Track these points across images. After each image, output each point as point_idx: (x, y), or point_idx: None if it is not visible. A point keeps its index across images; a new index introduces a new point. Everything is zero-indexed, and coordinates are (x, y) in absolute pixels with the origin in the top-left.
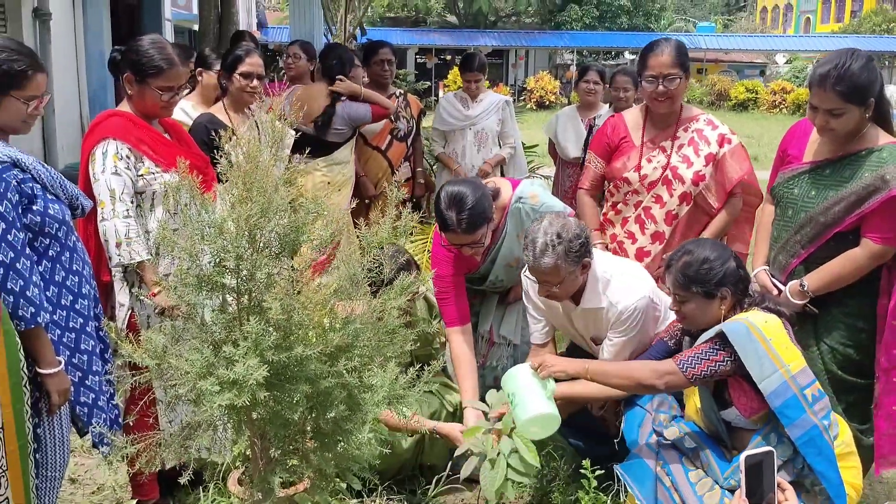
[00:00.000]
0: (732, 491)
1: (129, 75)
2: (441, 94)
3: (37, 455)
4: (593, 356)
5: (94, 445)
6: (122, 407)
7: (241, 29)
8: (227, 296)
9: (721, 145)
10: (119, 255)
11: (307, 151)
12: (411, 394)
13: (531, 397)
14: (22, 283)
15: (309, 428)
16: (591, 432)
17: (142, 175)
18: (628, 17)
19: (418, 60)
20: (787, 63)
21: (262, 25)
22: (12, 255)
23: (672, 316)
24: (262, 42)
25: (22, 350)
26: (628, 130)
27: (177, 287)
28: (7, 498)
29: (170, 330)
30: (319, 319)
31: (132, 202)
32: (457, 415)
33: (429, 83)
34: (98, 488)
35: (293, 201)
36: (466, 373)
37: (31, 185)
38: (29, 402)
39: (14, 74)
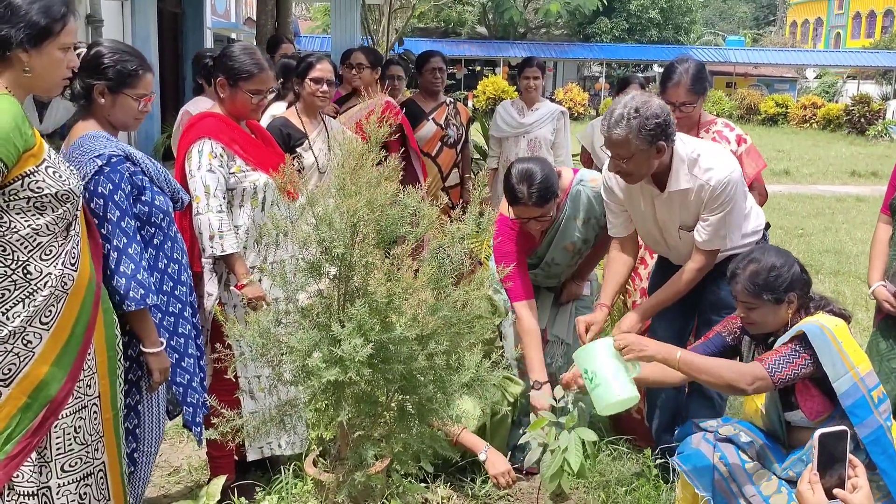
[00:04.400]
0: (789, 482)
1: (221, 80)
2: (470, 104)
3: (136, 430)
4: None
5: (185, 426)
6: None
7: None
8: (325, 282)
9: (739, 144)
10: (212, 247)
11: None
12: (493, 377)
13: (615, 380)
14: (133, 267)
15: (395, 406)
16: None
17: (233, 173)
18: (658, 30)
19: (448, 71)
20: (817, 78)
21: (295, 34)
22: (125, 241)
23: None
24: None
25: (118, 328)
26: None
27: (277, 274)
28: (104, 462)
29: (272, 313)
30: (413, 304)
31: (224, 198)
32: (517, 405)
33: (464, 94)
34: (174, 470)
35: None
36: (533, 344)
37: (140, 177)
38: (122, 378)
39: (127, 73)
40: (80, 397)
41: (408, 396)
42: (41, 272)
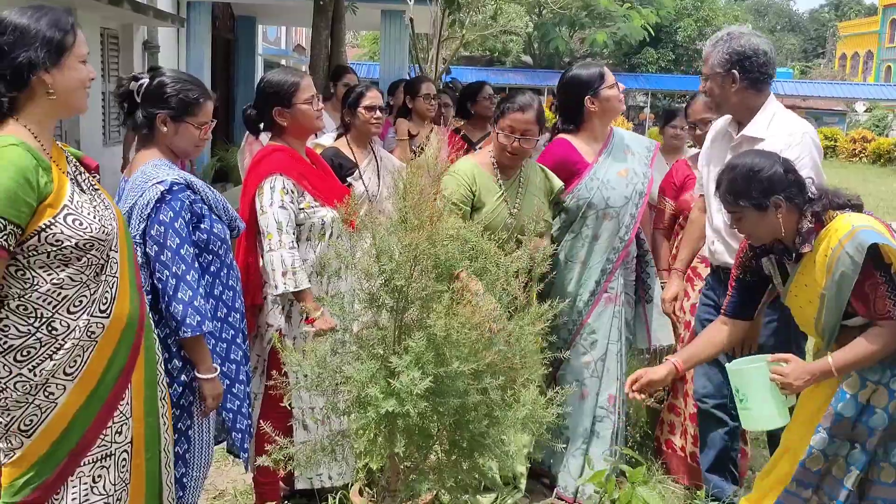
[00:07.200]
0: None
1: (278, 110)
2: None
3: (186, 455)
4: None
5: (230, 451)
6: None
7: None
8: (384, 313)
9: None
10: (285, 283)
11: None
12: (549, 414)
13: (768, 409)
14: (191, 294)
15: (446, 440)
16: None
17: (303, 209)
18: None
19: None
20: (867, 111)
21: None
22: (184, 268)
23: None
24: None
25: (162, 364)
26: (691, 169)
27: (336, 304)
28: None
29: (329, 343)
30: (471, 339)
31: (294, 234)
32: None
33: None
34: (220, 493)
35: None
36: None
37: (200, 205)
38: (166, 414)
39: (189, 102)
40: (104, 445)
41: (460, 431)
42: (67, 326)
